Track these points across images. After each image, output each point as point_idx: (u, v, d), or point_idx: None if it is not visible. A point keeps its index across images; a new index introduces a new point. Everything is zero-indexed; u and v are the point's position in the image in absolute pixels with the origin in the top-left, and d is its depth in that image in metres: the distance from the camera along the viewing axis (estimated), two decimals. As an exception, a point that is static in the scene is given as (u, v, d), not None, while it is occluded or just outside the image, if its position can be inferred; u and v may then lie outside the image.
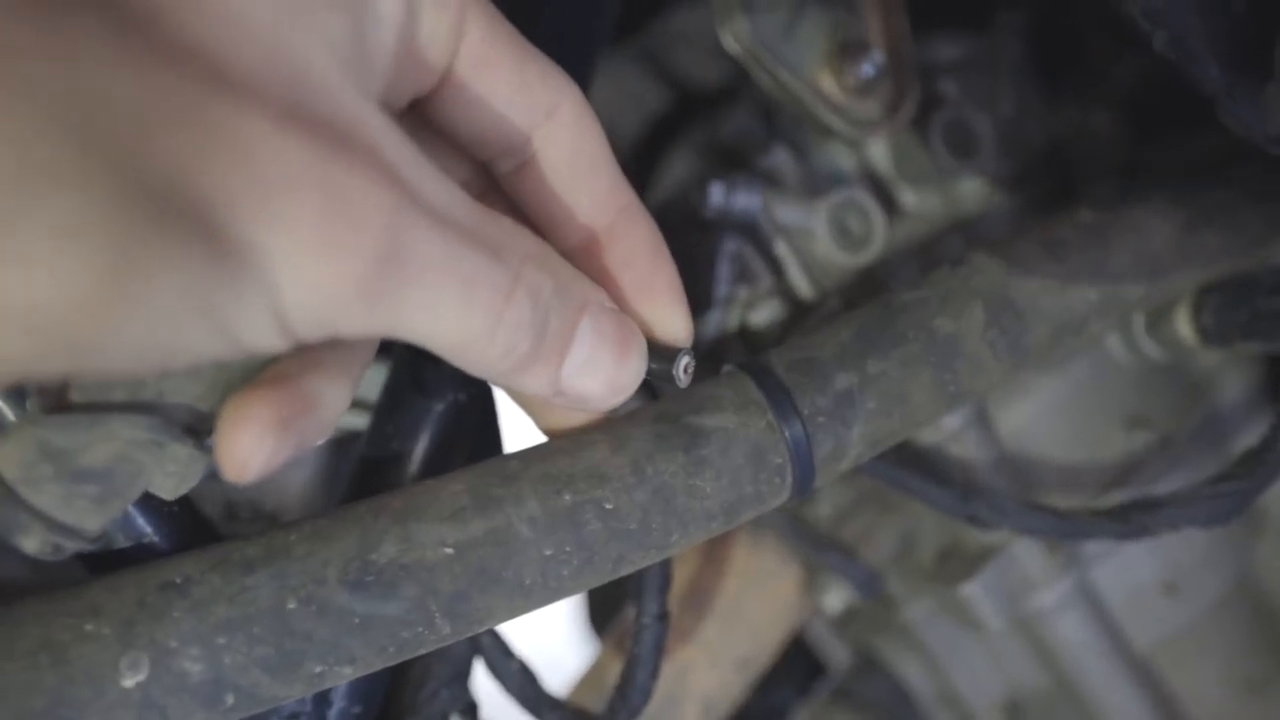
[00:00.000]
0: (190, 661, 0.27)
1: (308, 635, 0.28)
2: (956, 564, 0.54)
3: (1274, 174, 0.47)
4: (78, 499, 0.27)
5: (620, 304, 0.33)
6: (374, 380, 0.40)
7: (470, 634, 0.31)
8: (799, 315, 0.53)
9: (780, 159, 0.54)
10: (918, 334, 0.37)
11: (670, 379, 0.33)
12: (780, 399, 0.34)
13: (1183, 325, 0.49)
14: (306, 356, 0.28)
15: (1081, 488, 0.53)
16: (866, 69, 0.49)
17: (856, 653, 0.65)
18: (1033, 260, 0.40)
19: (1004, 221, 0.56)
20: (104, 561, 0.31)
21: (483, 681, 0.43)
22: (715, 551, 0.58)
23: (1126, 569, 0.54)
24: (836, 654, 0.65)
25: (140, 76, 0.21)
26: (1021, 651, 0.55)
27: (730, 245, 0.52)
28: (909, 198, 0.54)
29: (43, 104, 0.20)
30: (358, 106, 0.25)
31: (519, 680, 0.42)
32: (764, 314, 0.52)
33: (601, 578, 0.32)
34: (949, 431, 0.51)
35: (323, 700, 0.37)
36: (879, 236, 0.53)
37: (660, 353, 0.33)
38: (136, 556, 0.31)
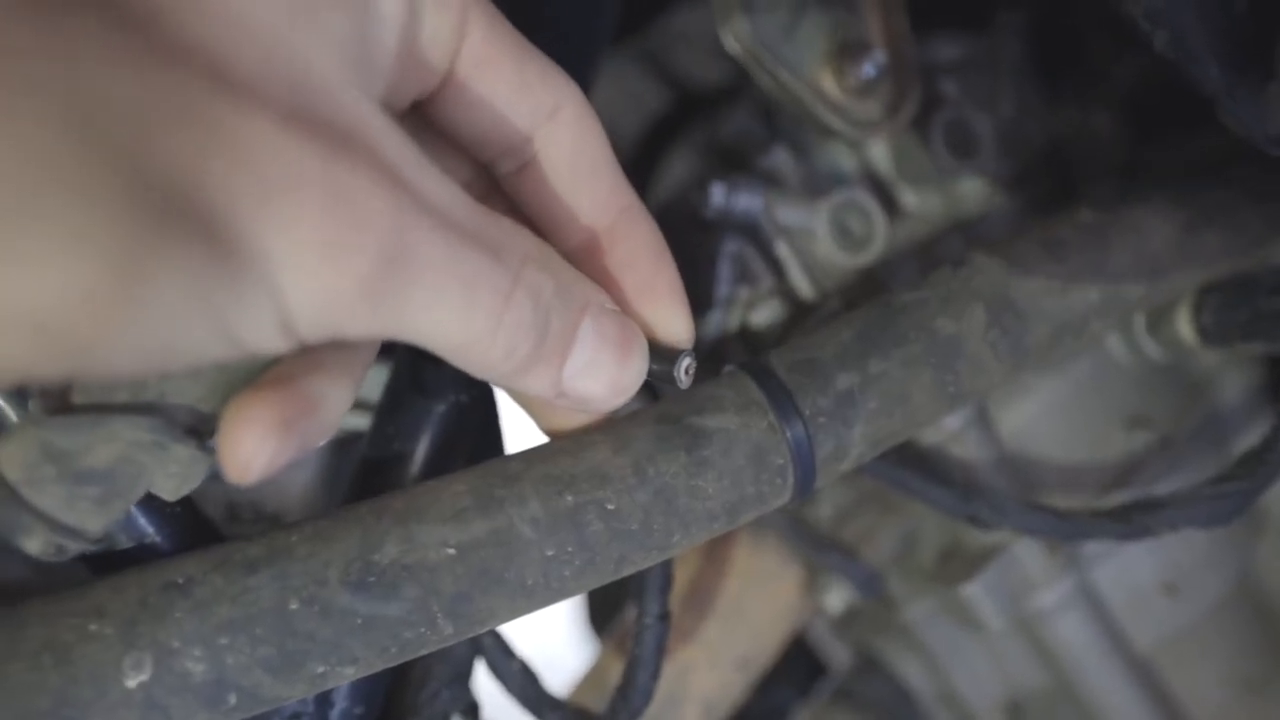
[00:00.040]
0: (193, 662, 0.27)
1: (310, 636, 0.28)
2: (957, 564, 0.54)
3: (1274, 174, 0.47)
4: (80, 500, 0.27)
5: (622, 305, 0.33)
6: (375, 381, 0.40)
7: (472, 634, 0.31)
8: (800, 316, 0.53)
9: (781, 159, 0.54)
10: (919, 334, 0.37)
11: (671, 380, 0.33)
12: (782, 399, 0.34)
13: (1183, 325, 0.49)
14: (308, 358, 0.28)
15: (1082, 488, 0.53)
16: (867, 69, 0.49)
17: (857, 653, 0.65)
18: (1033, 260, 0.40)
19: (1004, 222, 0.56)
20: (107, 562, 0.31)
21: (484, 682, 0.43)
22: (716, 552, 0.58)
23: (1127, 569, 0.54)
24: (837, 654, 0.65)
25: (141, 76, 0.21)
26: (1022, 652, 0.55)
27: (731, 246, 0.52)
28: (910, 198, 0.55)
29: (44, 103, 0.20)
30: (359, 107, 0.25)
31: (520, 680, 0.42)
32: (765, 314, 0.53)
33: (603, 578, 0.32)
34: (950, 432, 0.51)
35: (325, 701, 0.37)
36: (880, 237, 0.53)
37: (661, 353, 0.33)
38: (139, 557, 0.31)
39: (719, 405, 0.33)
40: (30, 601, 0.28)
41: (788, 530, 0.57)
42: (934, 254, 0.54)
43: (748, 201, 0.51)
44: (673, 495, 0.32)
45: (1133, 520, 0.43)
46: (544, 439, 0.34)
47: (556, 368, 0.30)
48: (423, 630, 0.29)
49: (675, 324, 0.33)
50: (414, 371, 0.39)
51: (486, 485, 0.31)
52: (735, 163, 0.56)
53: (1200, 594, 0.55)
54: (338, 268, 0.24)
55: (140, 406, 0.28)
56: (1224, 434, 0.55)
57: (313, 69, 0.24)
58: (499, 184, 0.34)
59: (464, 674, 0.41)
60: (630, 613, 0.58)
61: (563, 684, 0.59)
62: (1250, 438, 0.54)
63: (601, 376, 0.31)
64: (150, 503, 0.31)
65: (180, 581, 0.28)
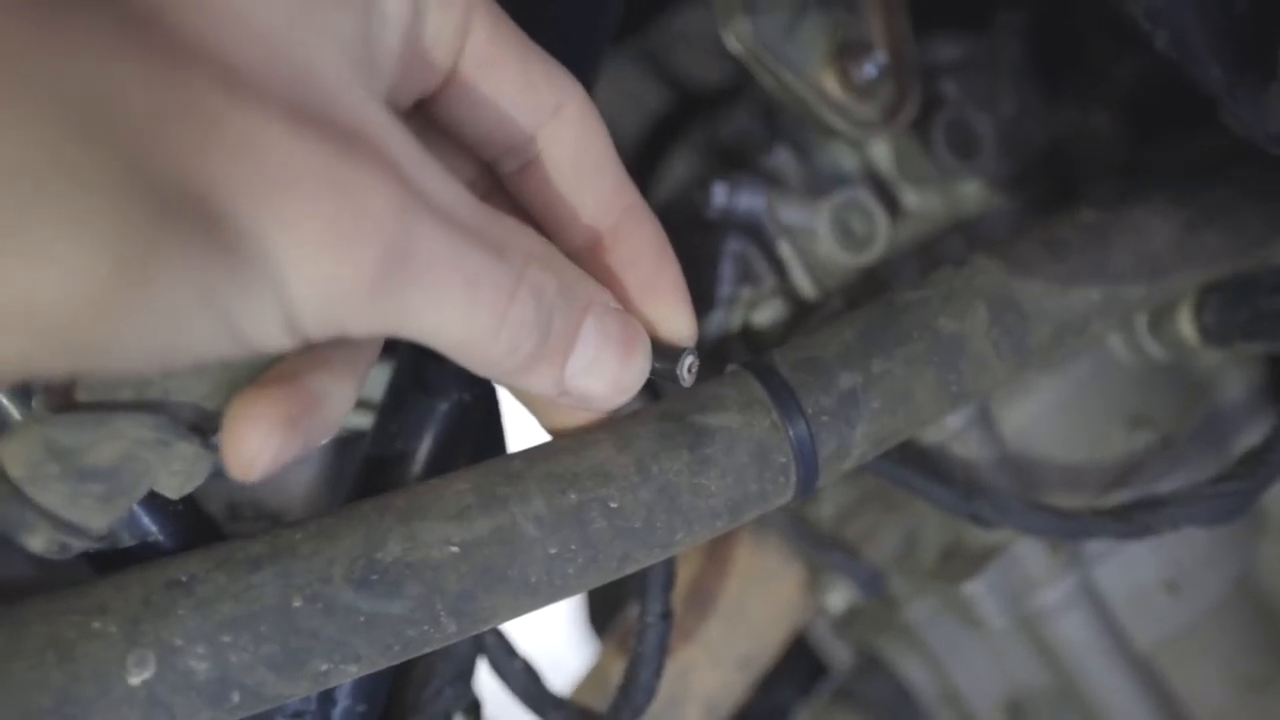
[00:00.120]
0: (196, 660, 0.27)
1: (313, 633, 0.28)
2: (959, 563, 0.54)
3: (1274, 173, 0.47)
4: (84, 498, 0.27)
5: (625, 304, 0.33)
6: (378, 380, 0.40)
7: (475, 632, 0.31)
8: (802, 315, 0.53)
9: (782, 159, 0.54)
10: (921, 333, 0.37)
11: (674, 378, 0.33)
12: (784, 398, 0.34)
13: (1184, 325, 0.49)
14: (312, 355, 0.28)
15: (1083, 487, 0.53)
16: (869, 69, 0.49)
17: (858, 652, 0.65)
18: (1035, 260, 0.40)
19: (1005, 222, 0.56)
20: (110, 560, 0.31)
21: (486, 680, 0.43)
22: (718, 551, 0.58)
23: (1128, 568, 0.54)
24: (838, 654, 0.65)
25: (143, 71, 0.21)
26: (1023, 651, 0.55)
27: (733, 245, 0.52)
28: (911, 198, 0.55)
29: (46, 96, 0.20)
30: (363, 105, 0.25)
31: (522, 679, 0.42)
32: (767, 314, 0.53)
33: (606, 576, 0.32)
34: (952, 431, 0.51)
35: (327, 699, 0.37)
36: (881, 236, 0.53)
37: (664, 352, 0.33)
38: (142, 555, 0.31)
39: (722, 404, 0.33)
40: (33, 599, 0.28)
41: (789, 529, 0.57)
42: (935, 254, 0.54)
43: (750, 201, 0.51)
44: (675, 493, 0.32)
45: (1134, 519, 0.43)
46: (547, 437, 0.34)
47: (559, 366, 0.30)
48: (426, 628, 0.29)
49: (678, 322, 0.34)
50: (417, 370, 0.39)
51: (489, 483, 0.31)
52: (736, 163, 0.56)
53: (1201, 593, 0.55)
54: (342, 263, 0.24)
55: (144, 404, 0.28)
56: (1225, 433, 0.55)
57: (316, 67, 0.24)
58: (502, 183, 0.34)
59: (466, 672, 0.41)
60: (632, 611, 0.58)
61: (564, 684, 0.59)
62: (1251, 437, 0.54)
63: (604, 375, 0.31)
64: (153, 501, 0.31)
65: (183, 579, 0.28)
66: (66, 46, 0.20)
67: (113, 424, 0.27)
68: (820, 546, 0.56)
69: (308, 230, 0.23)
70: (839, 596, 0.58)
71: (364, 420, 0.43)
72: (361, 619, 0.28)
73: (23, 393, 0.29)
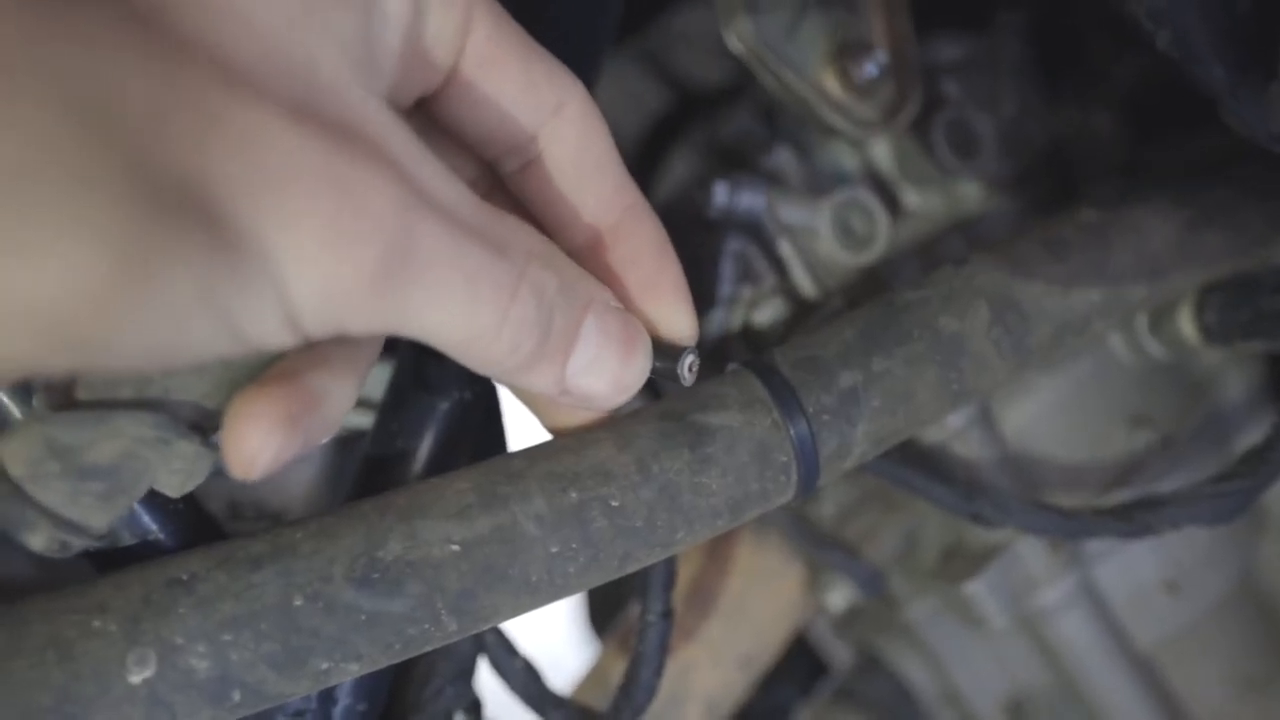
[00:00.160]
0: (197, 658, 0.27)
1: (314, 632, 0.28)
2: (960, 563, 0.54)
3: (1275, 173, 0.47)
4: (84, 496, 0.27)
5: (625, 303, 0.33)
6: (379, 378, 0.40)
7: (476, 631, 0.31)
8: (802, 314, 0.53)
9: (783, 159, 0.54)
10: (922, 332, 0.37)
11: (675, 377, 0.33)
12: (785, 397, 0.34)
13: (1185, 324, 0.49)
14: (312, 354, 0.28)
15: (1084, 486, 0.53)
16: (869, 69, 0.49)
17: (859, 652, 0.65)
18: (1035, 260, 0.40)
19: (1005, 221, 0.56)
20: (110, 559, 0.31)
21: (487, 679, 0.43)
22: (719, 550, 0.58)
23: (1129, 568, 0.54)
24: (839, 653, 0.65)
25: (143, 66, 0.21)
26: (1024, 650, 0.55)
27: (734, 245, 0.52)
28: (912, 197, 0.55)
29: (47, 95, 0.20)
30: (364, 104, 0.25)
31: (523, 678, 0.42)
32: (767, 313, 0.53)
33: (607, 575, 0.32)
34: (953, 430, 0.51)
35: (328, 697, 0.37)
36: (882, 236, 0.54)
37: (665, 351, 0.33)
38: (142, 554, 0.31)
39: (723, 403, 0.33)
40: (33, 598, 0.28)
41: (790, 528, 0.57)
42: (936, 253, 0.54)
43: (750, 200, 0.51)
44: (676, 492, 0.32)
45: (1135, 519, 0.43)
46: (547, 436, 0.34)
47: (560, 365, 0.30)
48: (427, 627, 0.29)
49: (679, 321, 0.34)
50: (417, 368, 0.39)
51: (490, 482, 0.31)
52: (737, 162, 0.56)
53: (1202, 592, 0.55)
54: (342, 261, 0.24)
55: (144, 402, 0.28)
56: (1226, 432, 0.55)
57: (317, 66, 0.24)
58: (503, 181, 0.34)
59: (467, 671, 0.41)
60: (633, 610, 0.58)
61: (564, 683, 0.59)
62: (1252, 436, 0.54)
63: (605, 374, 0.31)
64: (154, 499, 0.31)
65: (184, 578, 0.28)
66: (67, 43, 0.20)
67: (113, 422, 0.27)
68: (821, 546, 0.56)
69: (308, 228, 0.23)
70: (839, 596, 0.58)
71: (365, 419, 0.43)
72: (362, 617, 0.28)
73: (23, 391, 0.29)
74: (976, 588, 0.52)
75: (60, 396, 0.27)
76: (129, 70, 0.21)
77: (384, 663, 0.30)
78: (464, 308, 0.27)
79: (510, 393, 0.35)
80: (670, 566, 0.39)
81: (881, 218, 0.53)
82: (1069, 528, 0.45)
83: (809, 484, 0.34)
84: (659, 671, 0.40)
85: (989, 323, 0.38)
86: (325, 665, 0.28)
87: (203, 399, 0.29)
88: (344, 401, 0.29)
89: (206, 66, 0.22)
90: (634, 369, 0.32)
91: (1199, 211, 0.45)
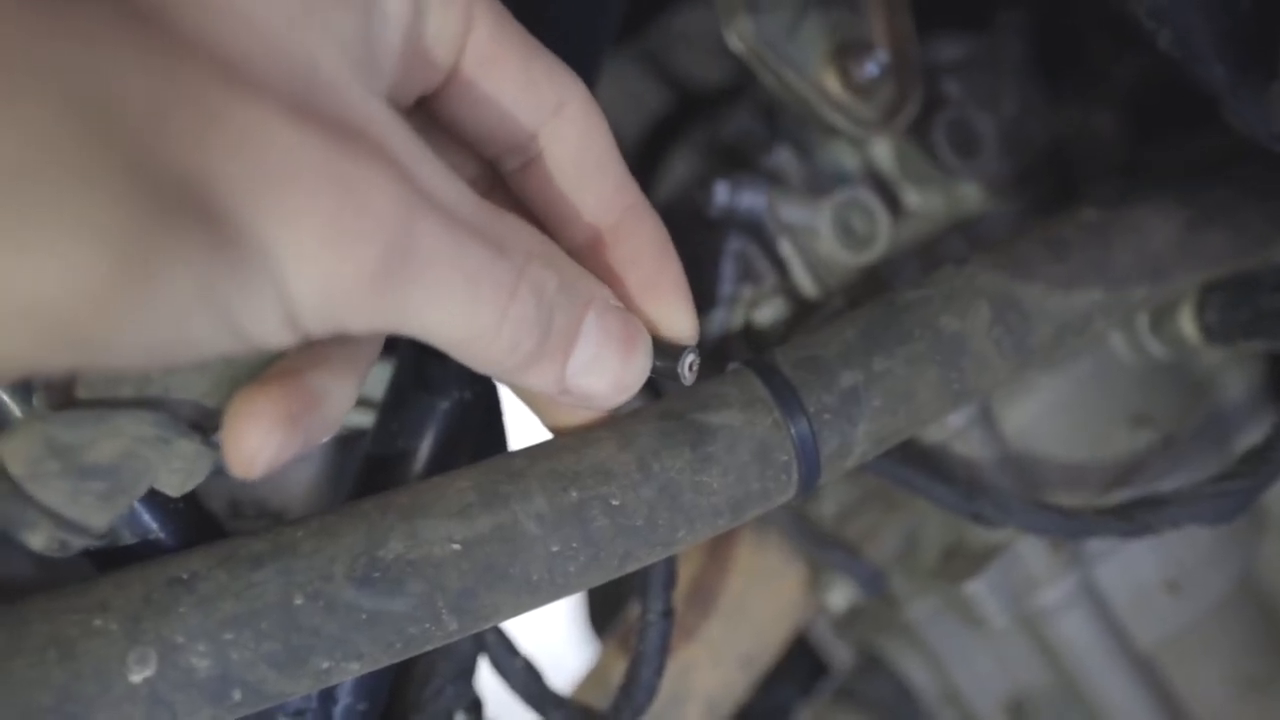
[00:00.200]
0: (197, 657, 0.27)
1: (315, 631, 0.28)
2: (961, 562, 0.54)
3: (1275, 173, 0.47)
4: (84, 495, 0.27)
5: (626, 302, 0.33)
6: (379, 378, 0.40)
7: (477, 630, 0.31)
8: (803, 314, 0.53)
9: (784, 158, 0.54)
10: (923, 332, 0.37)
11: (675, 377, 0.33)
12: (786, 396, 0.34)
13: (1186, 324, 0.49)
14: (313, 352, 0.28)
15: (1085, 486, 0.53)
16: (870, 68, 0.49)
17: (860, 652, 0.64)
18: (1036, 260, 0.40)
19: (1006, 221, 0.56)
20: (110, 558, 0.31)
21: (487, 679, 0.43)
22: (719, 549, 0.58)
23: (1130, 567, 0.54)
24: (840, 653, 0.65)
25: (144, 65, 0.21)
26: (1025, 650, 0.55)
27: (735, 244, 0.52)
28: (912, 197, 0.55)
29: (47, 93, 0.20)
30: (365, 103, 0.25)
31: (524, 678, 0.42)
32: (768, 313, 0.53)
33: (608, 574, 0.32)
34: (953, 430, 0.51)
35: (328, 697, 0.37)
36: (883, 235, 0.54)
37: (665, 350, 0.33)
38: (143, 553, 0.31)
39: (724, 402, 0.33)
40: (33, 597, 0.28)
41: (791, 528, 0.57)
42: (937, 253, 0.54)
43: (751, 200, 0.51)
44: (677, 491, 0.32)
45: (1135, 518, 0.43)
46: (548, 435, 0.34)
47: (560, 364, 0.30)
48: (427, 626, 0.29)
49: (679, 321, 0.33)
50: (418, 367, 0.39)
51: (491, 481, 0.31)
52: (737, 162, 0.56)
53: (1203, 592, 0.55)
54: (343, 260, 0.24)
55: (145, 401, 0.28)
56: (1227, 432, 0.55)
57: (319, 65, 0.24)
58: (504, 180, 0.34)
59: (468, 671, 0.41)
60: (633, 610, 0.58)
61: (565, 682, 0.59)
62: (1253, 436, 0.54)
63: (605, 373, 0.31)
64: (154, 498, 0.31)
65: (185, 577, 0.28)
66: (66, 41, 0.20)
67: (113, 421, 0.27)
68: (822, 545, 0.56)
69: (309, 226, 0.23)
70: (840, 595, 0.58)
71: (365, 418, 0.43)
72: (363, 617, 0.28)
73: (23, 390, 0.29)
74: (977, 587, 0.52)
75: (60, 395, 0.27)
76: (129, 68, 0.21)
77: (385, 662, 0.30)
78: (464, 307, 0.26)
79: (511, 392, 0.35)
80: (671, 566, 0.39)
81: (882, 217, 0.53)
82: (1070, 527, 0.45)
83: (810, 483, 0.34)
84: (659, 671, 0.40)
85: (990, 322, 0.38)
86: (326, 664, 0.28)
87: (203, 398, 0.29)
88: (344, 401, 0.29)
89: (206, 64, 0.22)
90: (634, 368, 0.32)
91: (1199, 211, 0.45)
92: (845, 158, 0.55)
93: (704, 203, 0.51)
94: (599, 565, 0.31)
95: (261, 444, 0.26)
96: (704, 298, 0.52)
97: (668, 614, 0.39)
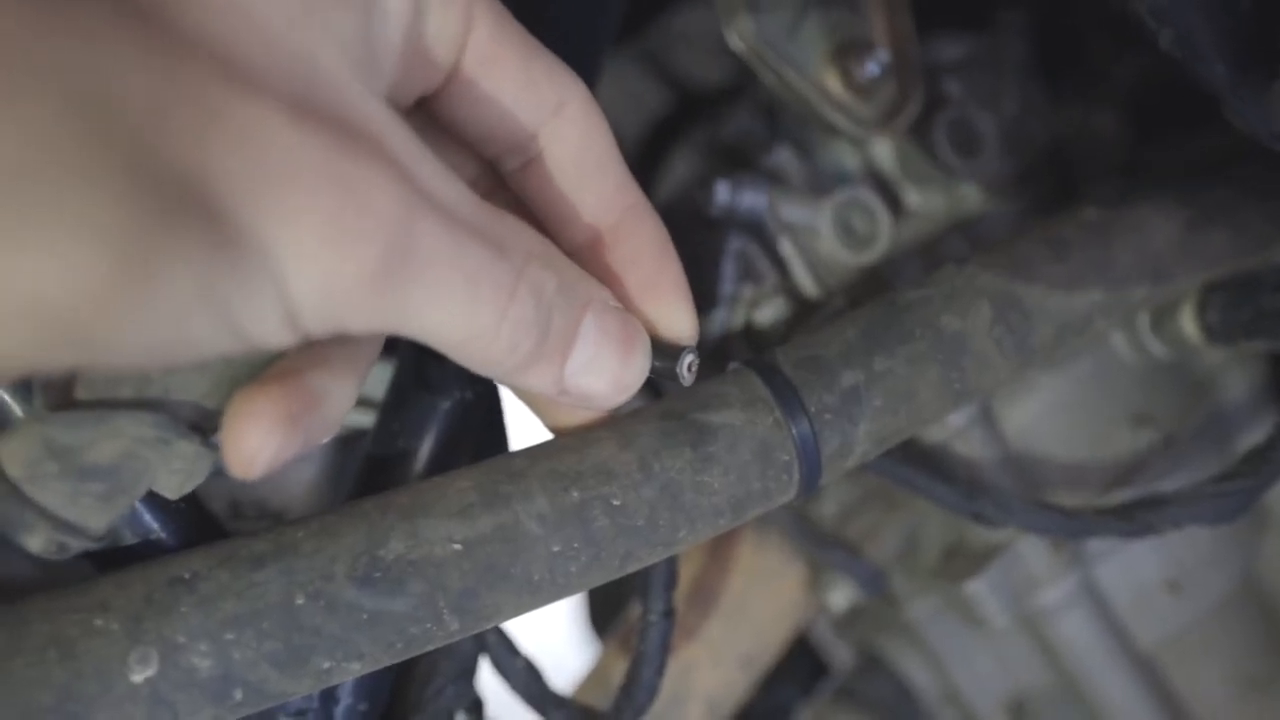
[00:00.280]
0: (199, 657, 0.27)
1: (316, 631, 0.28)
2: (961, 562, 0.54)
3: (1276, 173, 0.47)
4: (83, 497, 0.27)
5: (625, 302, 0.33)
6: (380, 378, 0.40)
7: (478, 630, 0.31)
8: (804, 314, 0.53)
9: (784, 158, 0.54)
10: (924, 332, 0.37)
11: (674, 377, 0.33)
12: (787, 396, 0.34)
13: (1187, 323, 0.49)
14: (313, 353, 0.28)
15: (1086, 486, 0.53)
16: (871, 68, 0.49)
17: (860, 651, 0.64)
18: (1037, 259, 0.40)
19: (1007, 221, 0.56)
20: (111, 559, 0.31)
21: (488, 679, 0.43)
22: (720, 549, 0.58)
23: (1131, 567, 0.54)
24: (840, 653, 0.65)
25: (144, 62, 0.21)
26: (1026, 650, 0.55)
27: (735, 244, 0.52)
28: (913, 197, 0.55)
29: (47, 92, 0.20)
30: (365, 103, 0.25)
31: (524, 678, 0.42)
32: (769, 312, 0.53)
33: (609, 574, 0.32)
34: (954, 429, 0.51)
35: (329, 697, 0.37)
36: (884, 235, 0.53)
37: (665, 351, 0.33)
38: (144, 553, 0.31)
39: (725, 401, 0.33)
40: (34, 597, 0.28)
41: (791, 528, 0.57)
42: (937, 253, 0.54)
43: (752, 199, 0.51)
44: (678, 491, 0.32)
45: (1136, 518, 0.43)
46: (549, 435, 0.34)
47: (559, 364, 0.30)
48: (428, 626, 0.29)
49: (679, 321, 0.33)
50: (419, 368, 0.39)
51: (492, 481, 0.31)
52: (738, 162, 0.56)
53: (1204, 592, 0.55)
54: (343, 260, 0.24)
55: (144, 402, 0.28)
56: (1228, 432, 0.55)
57: (319, 65, 0.24)
58: (504, 180, 0.34)
59: (468, 671, 0.41)
60: (634, 610, 0.58)
61: (566, 682, 0.59)
62: (1254, 435, 0.54)
63: (604, 373, 0.31)
64: (154, 499, 0.31)
65: (186, 577, 0.28)
66: (66, 39, 0.20)
67: (112, 422, 0.27)
68: (822, 545, 0.56)
69: (309, 225, 0.23)
70: (841, 595, 0.58)
71: (366, 418, 0.43)
72: (364, 616, 0.28)
73: (23, 390, 0.29)
74: (978, 587, 0.52)
75: (60, 396, 0.27)
76: (129, 66, 0.21)
77: (386, 662, 0.30)
78: (463, 307, 0.26)
79: (512, 392, 0.35)
80: (671, 566, 0.39)
81: (883, 217, 0.53)
82: (1071, 527, 0.45)
83: (811, 483, 0.34)
84: (660, 671, 0.40)
85: (991, 322, 0.38)
86: (327, 664, 0.28)
87: (203, 398, 0.28)
88: (344, 401, 0.29)
89: (206, 62, 0.22)
90: (633, 368, 0.31)
91: (1200, 211, 0.45)
92: (846, 157, 0.55)
93: (704, 202, 0.51)
94: (600, 565, 0.31)
95: (261, 444, 0.26)
96: (704, 297, 0.52)
97: (669, 614, 0.39)
